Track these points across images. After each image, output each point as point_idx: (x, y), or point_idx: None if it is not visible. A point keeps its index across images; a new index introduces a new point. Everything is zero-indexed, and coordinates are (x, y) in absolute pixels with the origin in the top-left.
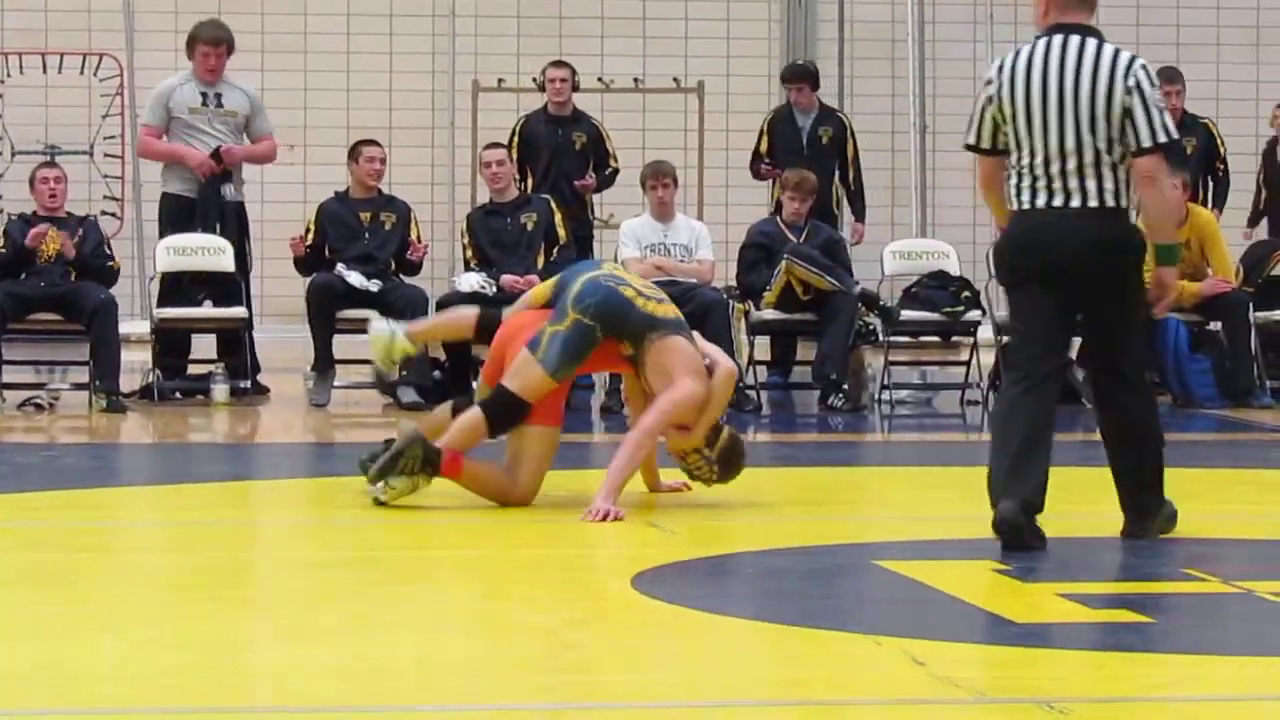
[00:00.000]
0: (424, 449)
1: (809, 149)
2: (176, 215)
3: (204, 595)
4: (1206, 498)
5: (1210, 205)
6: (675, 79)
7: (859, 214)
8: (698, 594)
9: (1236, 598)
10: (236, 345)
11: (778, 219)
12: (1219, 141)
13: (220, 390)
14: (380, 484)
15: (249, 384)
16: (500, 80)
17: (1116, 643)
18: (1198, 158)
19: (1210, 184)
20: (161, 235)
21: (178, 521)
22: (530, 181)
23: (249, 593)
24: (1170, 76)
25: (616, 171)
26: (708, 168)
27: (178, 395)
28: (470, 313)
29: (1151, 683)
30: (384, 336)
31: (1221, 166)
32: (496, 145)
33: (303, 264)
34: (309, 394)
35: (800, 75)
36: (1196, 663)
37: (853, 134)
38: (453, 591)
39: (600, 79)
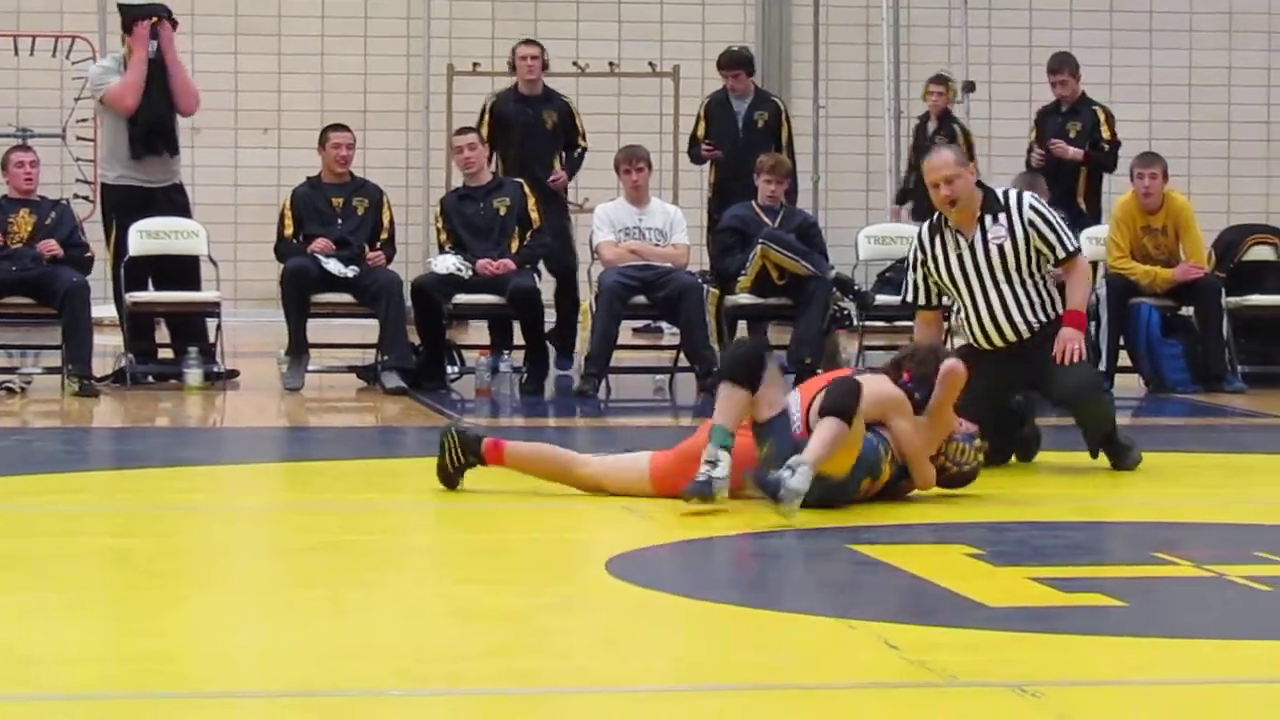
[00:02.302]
0: (458, 440)
1: (745, 133)
2: (125, 205)
3: (177, 580)
4: (1178, 481)
5: (1088, 175)
6: (650, 63)
7: (791, 198)
8: (672, 578)
9: (1208, 581)
10: (201, 328)
11: (753, 203)
12: (1102, 124)
13: (193, 374)
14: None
15: (222, 368)
16: (475, 64)
17: (1088, 626)
18: (1084, 137)
19: (1088, 165)
20: (107, 225)
21: (151, 506)
22: (502, 165)
23: (222, 577)
24: (1054, 67)
25: (584, 151)
26: (682, 152)
27: (150, 379)
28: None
29: (1123, 666)
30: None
31: (1106, 145)
32: (467, 130)
33: (282, 249)
34: (283, 378)
35: (735, 63)
36: (1168, 646)
37: (788, 118)
38: (426, 576)
39: (575, 63)
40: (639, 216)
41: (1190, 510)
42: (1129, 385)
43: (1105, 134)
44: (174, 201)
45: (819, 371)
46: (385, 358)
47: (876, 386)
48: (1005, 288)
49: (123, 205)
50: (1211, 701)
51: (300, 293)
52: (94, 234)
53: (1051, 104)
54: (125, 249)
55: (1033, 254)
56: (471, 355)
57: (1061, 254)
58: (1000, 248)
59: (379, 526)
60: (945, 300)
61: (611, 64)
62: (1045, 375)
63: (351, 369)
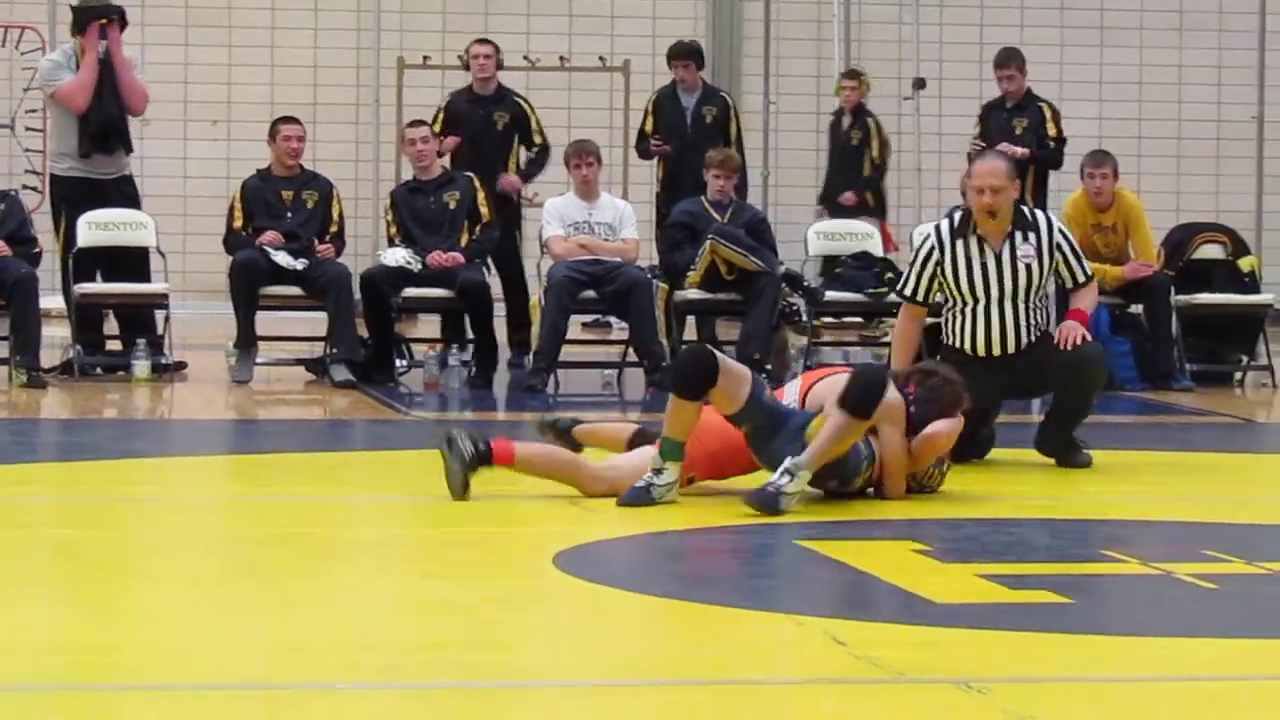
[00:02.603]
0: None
1: (693, 128)
2: (75, 197)
3: (124, 572)
4: (1126, 479)
5: (1034, 173)
6: (601, 58)
7: (740, 193)
8: (620, 573)
9: (1155, 579)
10: (149, 320)
11: (702, 198)
12: (1049, 120)
13: (141, 366)
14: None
15: (170, 360)
16: (425, 57)
17: (1035, 623)
18: (1030, 134)
19: (1034, 163)
20: (56, 217)
21: (99, 498)
22: (452, 164)
23: (170, 569)
24: (1001, 61)
25: (546, 149)
26: (633, 147)
27: (98, 371)
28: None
29: (1070, 663)
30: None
31: (1052, 143)
32: (420, 123)
33: (231, 242)
34: (231, 371)
35: (686, 53)
36: (1115, 644)
37: (736, 113)
38: (374, 569)
39: (526, 57)
40: (588, 211)
41: (1138, 508)
42: None
43: (1051, 131)
44: (124, 193)
45: (769, 367)
46: (334, 351)
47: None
48: (1019, 304)
49: (72, 197)
50: (1157, 699)
51: (249, 285)
52: (43, 225)
53: (997, 99)
54: (74, 240)
55: (1047, 277)
56: (420, 349)
57: (1081, 279)
58: (1028, 267)
59: (327, 520)
60: (938, 299)
61: (562, 58)
62: (1044, 364)
63: (300, 362)
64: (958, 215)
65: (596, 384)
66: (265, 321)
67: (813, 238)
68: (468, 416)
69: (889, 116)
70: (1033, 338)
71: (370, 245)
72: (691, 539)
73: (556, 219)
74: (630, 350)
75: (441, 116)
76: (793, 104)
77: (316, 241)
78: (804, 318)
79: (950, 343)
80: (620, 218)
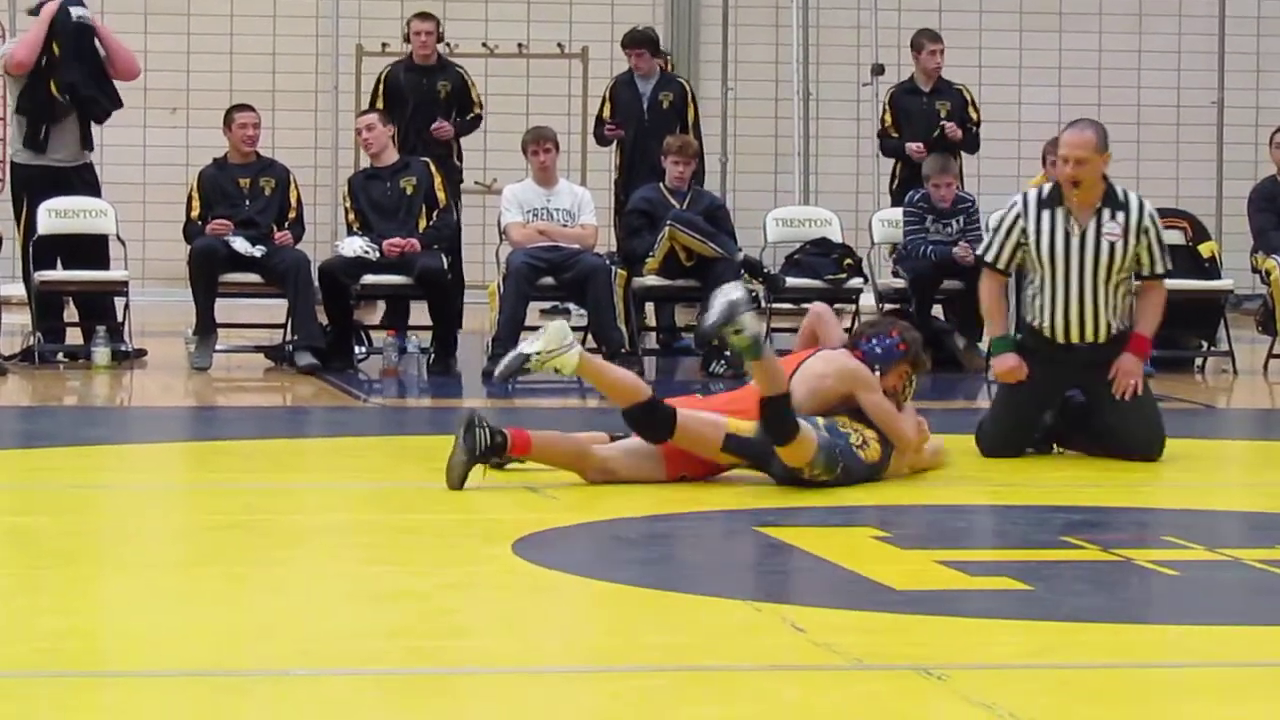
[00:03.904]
0: (483, 428)
1: (650, 114)
2: (36, 184)
3: (82, 559)
4: (1086, 466)
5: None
6: (559, 44)
7: (698, 179)
8: (578, 559)
9: (1114, 565)
10: (109, 307)
11: (660, 185)
12: (970, 106)
13: (101, 353)
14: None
15: (130, 347)
16: (384, 44)
17: (995, 609)
18: (954, 116)
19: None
20: (17, 204)
21: (58, 485)
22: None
23: (128, 556)
24: (933, 37)
25: (479, 118)
26: (591, 133)
27: (59, 358)
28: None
29: (1030, 649)
30: (563, 340)
31: (974, 127)
32: (369, 111)
33: (189, 230)
34: (190, 358)
35: (640, 41)
36: (1075, 630)
37: (694, 99)
38: (331, 556)
39: (484, 44)
40: (546, 197)
41: (1098, 494)
42: None
43: (973, 115)
44: (85, 180)
45: (727, 354)
46: (295, 337)
47: (841, 361)
48: (1100, 285)
49: (33, 184)
50: (1117, 685)
51: (208, 272)
52: (3, 213)
53: (907, 84)
54: (35, 228)
55: (1131, 260)
56: (379, 336)
57: (1158, 270)
58: (1112, 245)
59: (284, 506)
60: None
61: (520, 45)
62: (1104, 408)
63: (259, 349)
64: (1047, 186)
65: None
66: (224, 308)
67: (771, 224)
68: (426, 404)
69: (847, 103)
70: (1111, 330)
71: (329, 232)
72: (650, 525)
73: (515, 205)
74: (589, 337)
75: (381, 91)
76: (751, 90)
77: (275, 228)
78: (763, 304)
79: (1030, 320)
80: (578, 204)
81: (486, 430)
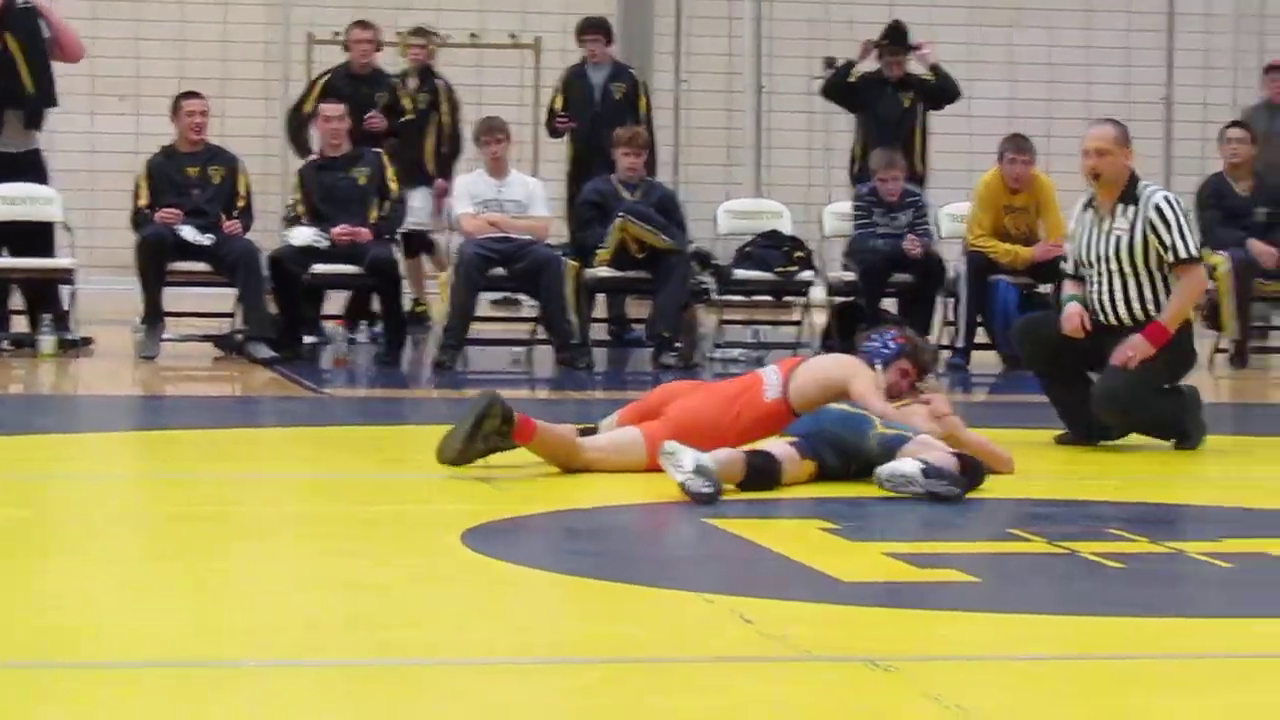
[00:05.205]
0: (502, 409)
1: (602, 105)
2: None
3: (34, 550)
4: (1034, 458)
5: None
6: (512, 35)
7: (650, 171)
8: (529, 551)
9: (1061, 558)
10: (55, 296)
11: (612, 177)
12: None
13: (47, 341)
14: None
15: (76, 336)
16: (335, 33)
17: (943, 602)
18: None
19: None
20: None
21: (3, 475)
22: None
23: (78, 546)
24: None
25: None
26: (543, 124)
27: (4, 346)
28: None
29: (978, 642)
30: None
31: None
32: (336, 102)
33: (137, 219)
34: (137, 347)
35: (594, 27)
36: (1022, 622)
37: (646, 91)
38: (285, 547)
39: (437, 34)
40: (498, 188)
41: (1046, 487)
42: (987, 362)
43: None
44: (32, 167)
45: (678, 345)
46: (246, 328)
47: (846, 359)
48: (1119, 277)
49: None
50: (1063, 677)
51: (156, 261)
52: None
53: (874, 75)
54: None
55: (1150, 251)
56: (330, 326)
57: (1173, 258)
58: (1119, 239)
59: (236, 497)
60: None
61: (473, 35)
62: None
63: (207, 338)
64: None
65: (506, 361)
66: (172, 297)
67: (723, 216)
68: (376, 394)
69: (800, 96)
70: (1140, 314)
71: (279, 221)
72: (600, 517)
73: (466, 196)
74: (540, 328)
75: (316, 94)
76: (704, 82)
77: (224, 217)
78: (713, 296)
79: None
80: (530, 195)
81: (500, 409)
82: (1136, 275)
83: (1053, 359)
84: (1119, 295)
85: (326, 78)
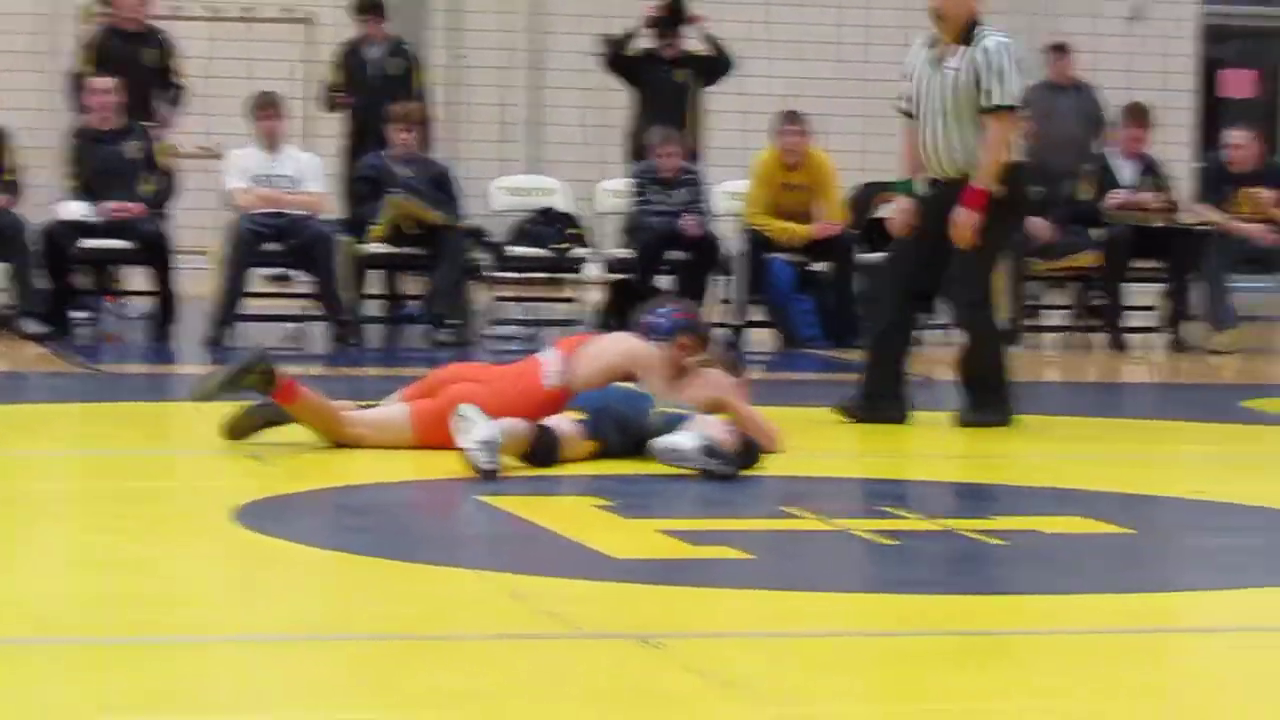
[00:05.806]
0: (267, 365)
1: (378, 81)
2: None
3: None
4: (807, 436)
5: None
6: (284, 9)
7: (425, 147)
8: (301, 527)
9: (833, 535)
10: None
11: (385, 153)
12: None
13: None
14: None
15: None
16: (107, 1)
17: (715, 579)
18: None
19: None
20: None
21: None
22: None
23: None
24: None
25: (181, 89)
26: (316, 99)
27: None
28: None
29: (750, 618)
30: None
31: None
32: (106, 75)
33: None
34: None
35: (369, 7)
36: (794, 599)
37: (421, 66)
38: (49, 524)
39: (207, 8)
40: (271, 163)
41: (817, 465)
42: (763, 339)
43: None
44: None
45: (454, 323)
46: (17, 303)
47: (627, 341)
48: (943, 119)
49: None
50: (835, 654)
51: None
52: None
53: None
54: None
55: (973, 93)
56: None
57: (984, 101)
58: (946, 78)
59: (1, 473)
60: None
61: (244, 9)
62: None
63: None
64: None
65: (279, 337)
66: None
67: (496, 193)
68: (144, 370)
69: (575, 72)
70: (955, 166)
71: (51, 195)
72: (373, 494)
73: (239, 171)
74: (314, 304)
75: (90, 54)
76: (479, 58)
77: None
78: (488, 273)
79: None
80: (303, 170)
81: (265, 364)
82: (960, 121)
83: (911, 279)
84: (941, 141)
85: (96, 36)
